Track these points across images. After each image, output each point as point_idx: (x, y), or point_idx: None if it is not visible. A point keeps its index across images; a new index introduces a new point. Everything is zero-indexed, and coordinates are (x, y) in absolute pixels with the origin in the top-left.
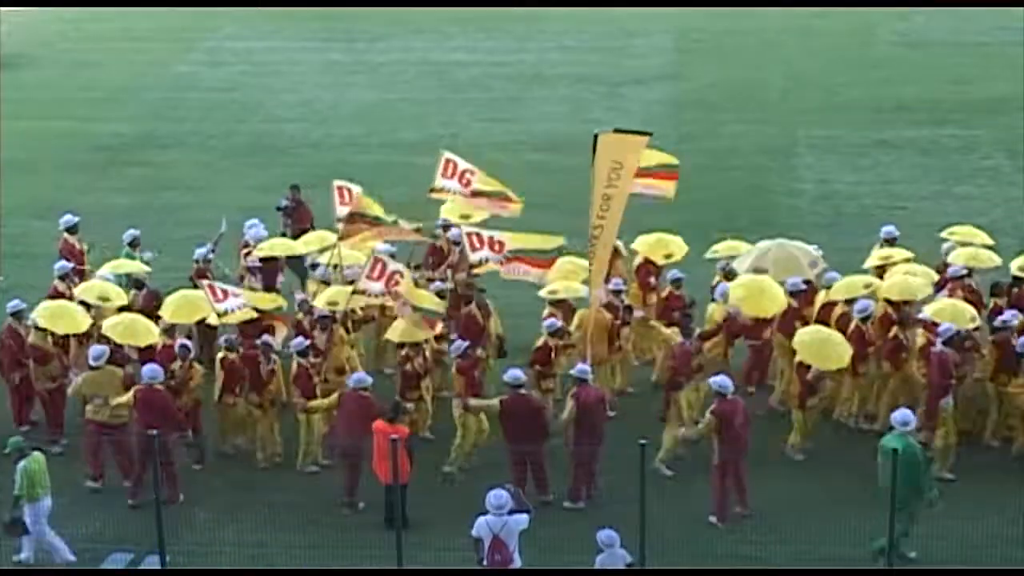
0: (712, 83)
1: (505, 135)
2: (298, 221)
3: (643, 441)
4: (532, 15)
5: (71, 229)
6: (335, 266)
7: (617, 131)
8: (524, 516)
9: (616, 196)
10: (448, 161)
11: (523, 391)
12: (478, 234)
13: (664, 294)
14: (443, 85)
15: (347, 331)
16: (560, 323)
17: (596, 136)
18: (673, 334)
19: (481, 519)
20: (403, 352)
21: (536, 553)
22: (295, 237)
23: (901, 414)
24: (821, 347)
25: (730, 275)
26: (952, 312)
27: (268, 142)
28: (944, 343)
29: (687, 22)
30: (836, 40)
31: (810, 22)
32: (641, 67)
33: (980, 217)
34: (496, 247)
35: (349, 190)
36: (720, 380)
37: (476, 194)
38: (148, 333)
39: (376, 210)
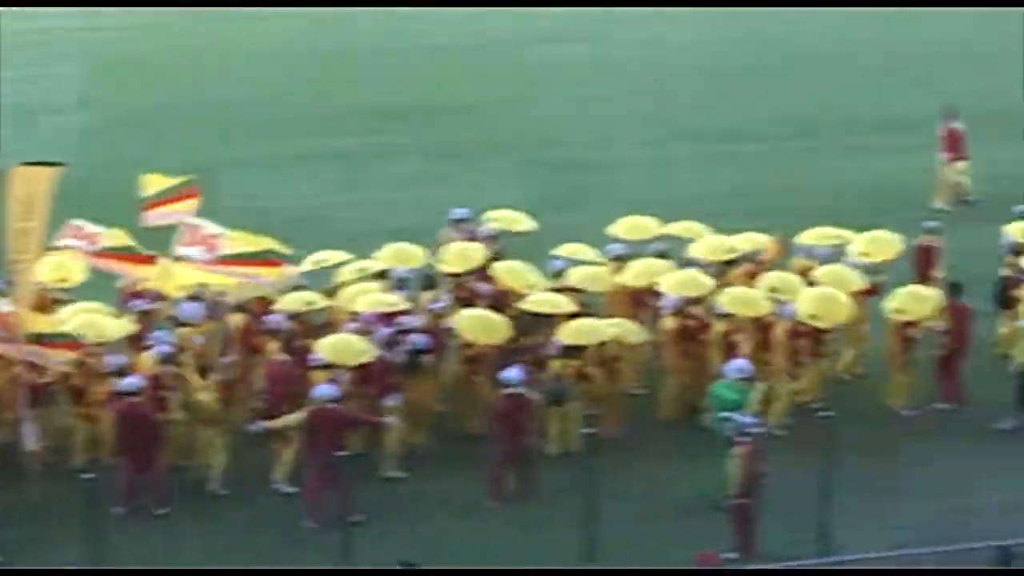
0: (129, 107)
1: None
2: None
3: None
4: None
5: None
6: None
7: (28, 164)
8: None
9: (33, 230)
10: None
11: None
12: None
13: None
14: None
15: None
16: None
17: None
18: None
19: None
20: None
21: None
22: None
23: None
24: None
25: None
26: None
27: None
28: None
29: (101, 47)
30: (262, 53)
31: (241, 38)
32: (53, 95)
33: (397, 222)
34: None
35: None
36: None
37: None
38: None
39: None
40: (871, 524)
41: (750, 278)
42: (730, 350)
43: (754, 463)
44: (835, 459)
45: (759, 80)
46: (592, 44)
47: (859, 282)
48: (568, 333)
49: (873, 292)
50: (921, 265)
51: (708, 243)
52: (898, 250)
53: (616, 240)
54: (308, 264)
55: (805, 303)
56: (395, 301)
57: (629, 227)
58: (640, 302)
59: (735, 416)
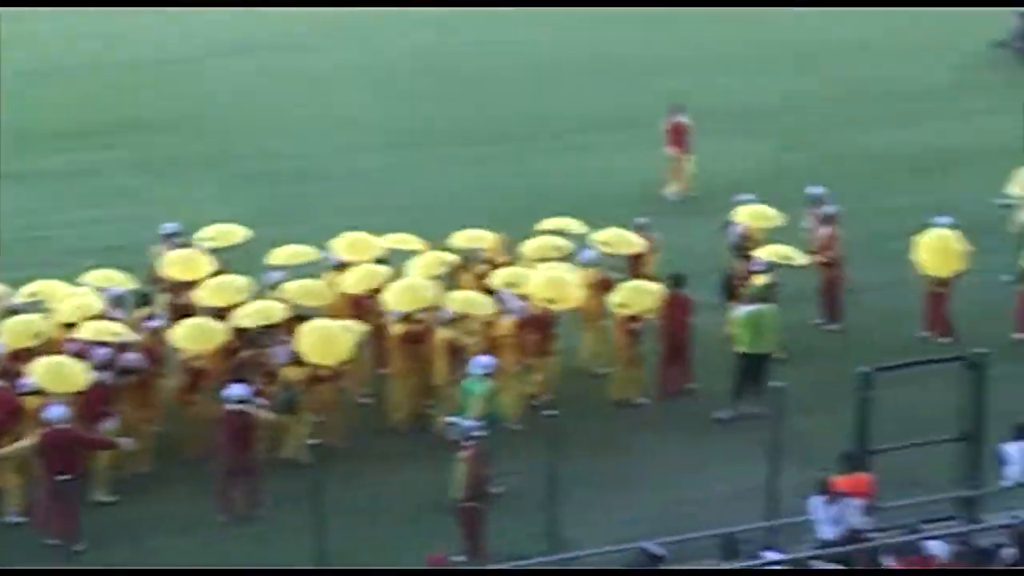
0: None
1: None
2: None
3: None
4: None
5: None
6: None
7: None
8: None
9: None
10: None
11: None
12: None
13: None
14: None
15: None
16: None
17: None
18: None
19: None
20: None
21: None
22: None
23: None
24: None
25: None
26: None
27: None
28: None
29: None
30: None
31: None
32: None
33: (111, 239)
34: None
35: None
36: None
37: None
38: None
39: None
40: (600, 519)
41: (479, 278)
42: (456, 354)
43: (479, 466)
44: (564, 455)
45: (488, 84)
46: (316, 53)
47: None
48: (305, 339)
49: (608, 286)
50: (634, 261)
51: (426, 260)
52: (637, 246)
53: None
54: (22, 296)
55: (538, 289)
56: (116, 329)
57: (352, 243)
58: (362, 308)
59: (459, 420)
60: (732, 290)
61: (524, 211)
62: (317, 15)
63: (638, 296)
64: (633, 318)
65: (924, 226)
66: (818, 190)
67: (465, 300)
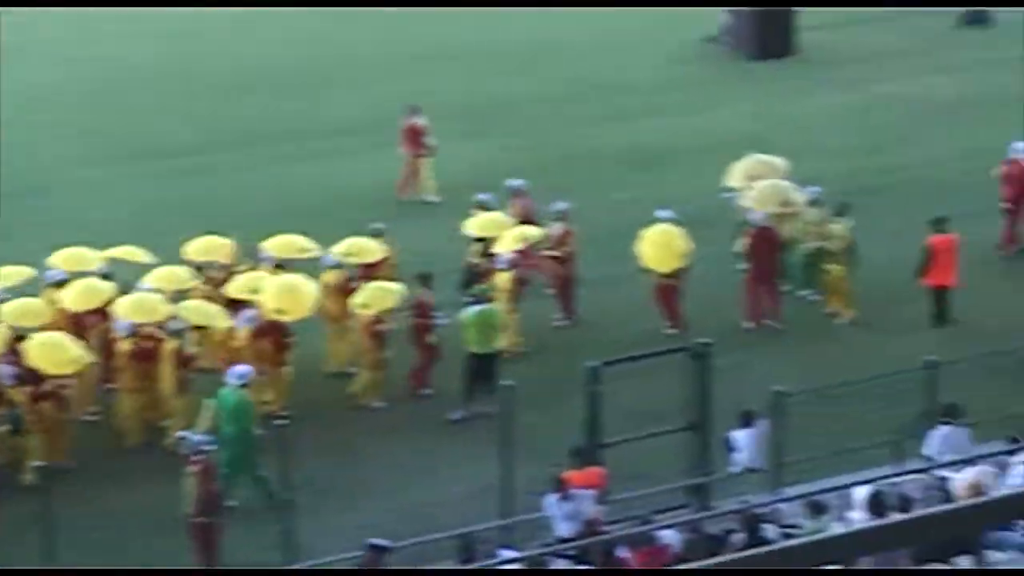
0: None
1: None
2: None
3: None
4: None
5: None
6: None
7: None
8: None
9: None
10: None
11: None
12: None
13: None
14: None
15: None
16: None
17: None
18: None
19: None
20: None
21: None
22: None
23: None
24: None
25: None
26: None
27: None
28: None
29: None
30: None
31: None
32: None
33: None
34: None
35: None
36: None
37: None
38: None
39: None
40: (337, 525)
41: (216, 287)
42: (186, 365)
43: (209, 480)
44: (299, 463)
45: (204, 93)
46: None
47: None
48: (33, 355)
49: (350, 291)
50: (370, 266)
51: (162, 275)
52: (380, 254)
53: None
54: None
55: (269, 300)
56: None
57: (68, 258)
58: (83, 325)
59: (188, 434)
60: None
61: (264, 218)
62: (35, 17)
63: (380, 296)
64: (378, 320)
65: (649, 221)
66: (517, 182)
67: (197, 311)
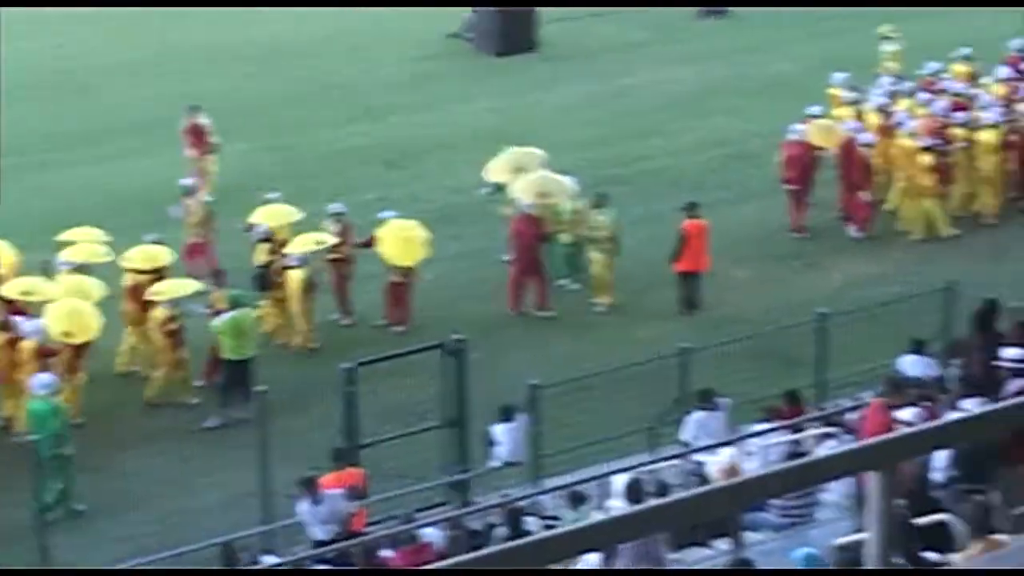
0: None
1: None
2: None
3: None
4: None
5: None
6: None
7: None
8: None
9: None
10: None
11: None
12: None
13: None
14: None
15: None
16: None
17: None
18: None
19: None
20: None
21: None
22: None
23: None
24: None
25: None
26: None
27: None
28: None
29: None
30: None
31: None
32: None
33: None
34: None
35: None
36: None
37: None
38: None
39: None
40: (93, 540)
41: None
42: None
43: None
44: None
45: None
46: None
47: (101, 289)
48: None
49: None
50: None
51: None
52: (165, 259)
53: None
54: None
55: (55, 322)
56: None
57: None
58: None
59: None
60: (269, 286)
61: (42, 226)
62: None
63: (176, 287)
64: (171, 318)
65: (382, 220)
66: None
67: None
